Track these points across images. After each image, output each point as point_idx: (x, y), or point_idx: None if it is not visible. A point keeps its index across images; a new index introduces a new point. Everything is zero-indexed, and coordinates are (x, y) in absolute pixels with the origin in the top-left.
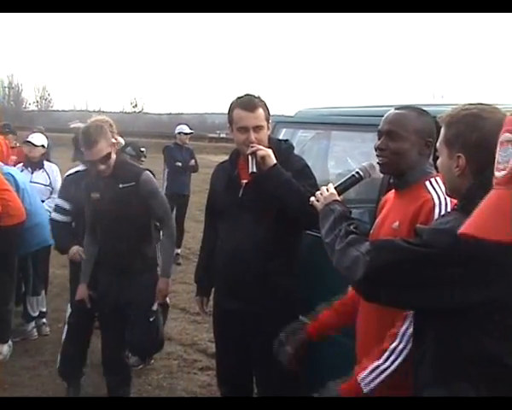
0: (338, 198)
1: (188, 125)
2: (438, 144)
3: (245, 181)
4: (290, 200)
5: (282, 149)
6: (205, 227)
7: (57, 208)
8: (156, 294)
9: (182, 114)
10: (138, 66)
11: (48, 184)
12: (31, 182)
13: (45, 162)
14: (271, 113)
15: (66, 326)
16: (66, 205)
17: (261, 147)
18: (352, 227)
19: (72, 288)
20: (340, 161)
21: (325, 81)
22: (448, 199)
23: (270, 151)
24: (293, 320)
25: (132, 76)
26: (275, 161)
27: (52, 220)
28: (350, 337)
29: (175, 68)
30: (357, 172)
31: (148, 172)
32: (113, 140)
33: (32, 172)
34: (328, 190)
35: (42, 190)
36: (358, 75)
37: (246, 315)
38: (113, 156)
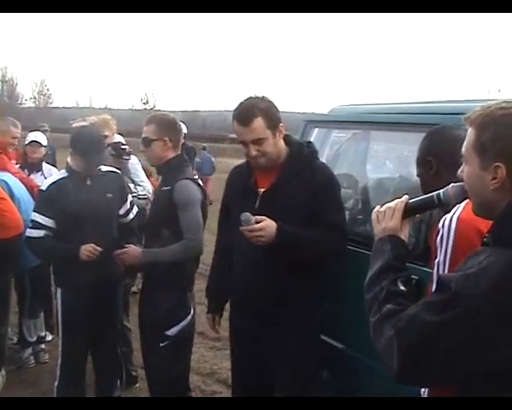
0: (397, 229)
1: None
2: (464, 150)
3: (262, 190)
4: (305, 258)
5: (304, 154)
6: (219, 228)
7: (36, 224)
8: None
9: (198, 111)
10: (149, 58)
11: None
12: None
13: (44, 164)
14: (302, 111)
15: (59, 359)
16: (49, 223)
17: (255, 233)
18: (398, 284)
19: (65, 312)
20: (380, 166)
21: (364, 74)
22: None
23: (263, 233)
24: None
25: (142, 69)
26: (272, 236)
27: (32, 239)
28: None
29: (190, 61)
30: (438, 196)
31: (187, 181)
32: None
33: (29, 175)
34: (394, 208)
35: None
36: (404, 68)
37: (260, 335)
38: (164, 154)
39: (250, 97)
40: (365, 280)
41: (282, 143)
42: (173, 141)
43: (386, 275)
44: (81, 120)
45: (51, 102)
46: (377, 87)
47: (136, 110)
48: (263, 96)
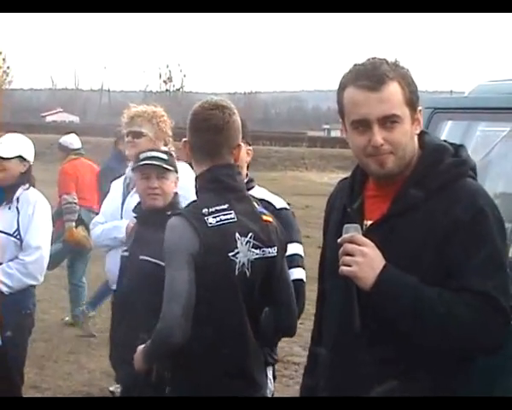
0: None
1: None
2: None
3: (369, 222)
4: (425, 338)
5: (445, 165)
6: (318, 298)
7: None
8: None
9: (258, 92)
10: (171, 20)
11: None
12: None
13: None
14: (424, 89)
15: None
16: None
17: (350, 248)
18: None
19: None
20: None
21: None
22: None
23: (360, 259)
24: None
25: (162, 31)
26: (371, 274)
27: None
28: None
29: (240, 25)
30: None
31: (178, 218)
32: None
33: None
34: None
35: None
36: None
37: None
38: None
39: (374, 58)
40: None
41: (415, 142)
42: (195, 145)
43: None
44: (59, 111)
45: (10, 82)
46: None
47: (152, 93)
48: (395, 60)
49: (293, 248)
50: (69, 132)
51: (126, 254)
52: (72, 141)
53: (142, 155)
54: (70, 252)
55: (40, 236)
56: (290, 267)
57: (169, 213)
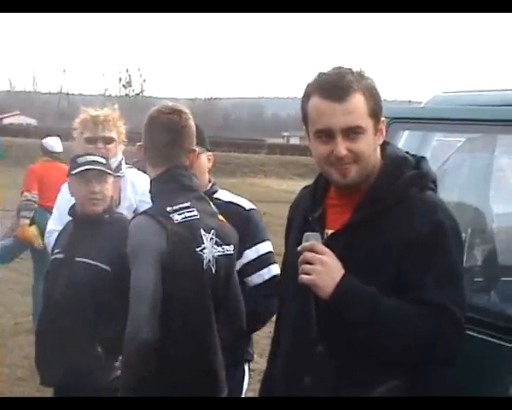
0: None
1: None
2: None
3: (330, 231)
4: (384, 348)
5: (406, 177)
6: (277, 315)
7: None
8: None
9: (218, 99)
10: (133, 22)
11: None
12: None
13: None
14: (383, 98)
15: None
16: None
17: (309, 257)
18: None
19: None
20: None
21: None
22: None
23: (320, 268)
24: None
25: (122, 35)
26: (330, 283)
27: None
28: None
29: (202, 30)
30: None
31: (144, 217)
32: None
33: None
34: None
35: None
36: None
37: None
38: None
39: (339, 67)
40: None
41: (378, 153)
42: (152, 148)
43: None
44: (16, 114)
45: None
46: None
47: (111, 97)
48: (360, 70)
49: (266, 247)
50: (51, 136)
51: (60, 256)
52: (54, 144)
53: (81, 160)
54: (21, 248)
55: None
56: (267, 265)
57: (107, 216)
